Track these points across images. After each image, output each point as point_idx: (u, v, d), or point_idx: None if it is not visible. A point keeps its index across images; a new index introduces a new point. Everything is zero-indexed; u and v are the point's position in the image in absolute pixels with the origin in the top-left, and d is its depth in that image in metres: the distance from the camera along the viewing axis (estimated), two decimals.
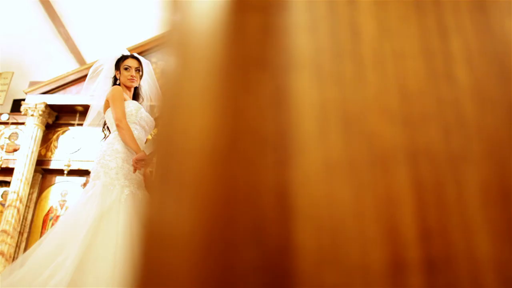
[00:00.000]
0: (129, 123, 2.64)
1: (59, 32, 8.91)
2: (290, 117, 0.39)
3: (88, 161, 7.31)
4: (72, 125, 7.59)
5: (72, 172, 7.20)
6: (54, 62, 9.19)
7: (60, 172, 7.31)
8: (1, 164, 7.14)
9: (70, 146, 7.47)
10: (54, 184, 7.42)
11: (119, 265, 2.19)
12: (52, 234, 2.33)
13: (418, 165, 0.38)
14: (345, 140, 0.39)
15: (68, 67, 9.14)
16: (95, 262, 2.17)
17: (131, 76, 2.75)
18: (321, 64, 0.42)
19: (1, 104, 8.00)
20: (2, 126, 7.68)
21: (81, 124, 7.53)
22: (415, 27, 0.44)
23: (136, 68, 2.77)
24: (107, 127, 2.80)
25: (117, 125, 2.57)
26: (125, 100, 2.68)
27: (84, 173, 7.32)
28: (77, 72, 7.70)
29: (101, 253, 2.21)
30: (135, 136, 2.63)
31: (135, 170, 2.43)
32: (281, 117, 0.39)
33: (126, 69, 2.75)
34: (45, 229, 7.10)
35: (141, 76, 2.83)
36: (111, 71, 2.85)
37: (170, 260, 0.24)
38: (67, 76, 7.65)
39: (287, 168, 0.37)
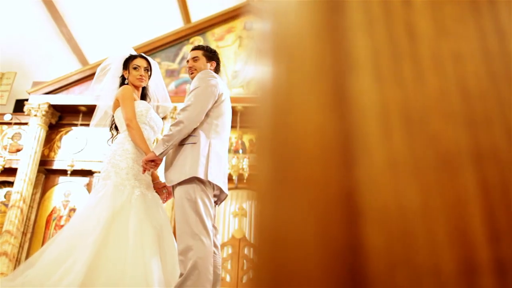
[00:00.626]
0: (138, 123, 2.64)
1: (62, 32, 8.90)
2: (352, 117, 0.39)
3: (91, 161, 7.32)
4: (75, 125, 7.59)
5: (75, 172, 7.21)
6: (56, 62, 9.19)
7: (63, 172, 7.32)
8: (4, 164, 7.13)
9: (73, 146, 7.47)
10: (57, 184, 7.43)
11: (130, 266, 2.19)
12: (63, 234, 2.33)
13: (484, 166, 0.38)
14: (408, 141, 0.38)
15: (70, 67, 9.13)
16: (106, 262, 2.17)
17: (140, 75, 2.74)
18: (380, 65, 0.41)
19: (3, 105, 8.00)
20: (5, 127, 7.69)
21: (84, 124, 7.53)
22: (472, 28, 0.43)
23: (145, 67, 2.77)
24: (115, 127, 2.79)
25: (127, 125, 2.57)
26: (134, 100, 2.68)
27: (87, 173, 7.33)
28: (80, 72, 7.71)
29: (112, 254, 2.21)
30: (144, 136, 2.63)
31: (144, 171, 2.42)
32: (344, 118, 0.38)
33: (135, 68, 2.74)
34: (48, 229, 7.10)
35: (149, 76, 2.82)
36: (119, 71, 2.83)
37: (286, 262, 0.24)
38: (70, 76, 7.66)
39: (352, 169, 0.37)
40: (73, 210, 7.21)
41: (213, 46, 7.76)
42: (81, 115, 7.57)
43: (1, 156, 7.18)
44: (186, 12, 9.10)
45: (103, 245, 2.21)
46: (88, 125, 7.53)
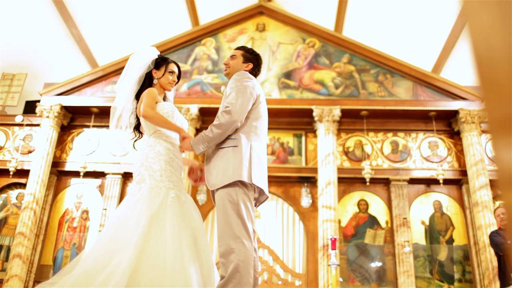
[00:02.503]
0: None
1: (72, 33, 8.89)
2: None
3: (104, 162, 7.29)
4: (87, 126, 7.57)
5: (87, 174, 7.18)
6: (66, 63, 9.17)
7: (75, 174, 7.30)
8: (17, 166, 7.11)
9: (85, 148, 7.45)
10: (69, 186, 7.40)
11: (170, 267, 2.17)
12: (102, 238, 2.31)
13: None
14: None
15: (79, 68, 9.11)
16: (147, 264, 2.16)
17: (174, 81, 2.79)
18: None
19: (14, 106, 7.98)
20: (16, 128, 7.66)
21: (97, 126, 7.52)
22: None
23: (177, 74, 2.83)
24: (137, 128, 2.80)
25: (144, 117, 2.55)
26: (158, 102, 2.67)
27: (100, 175, 7.31)
28: (92, 73, 7.69)
29: (152, 256, 2.19)
30: (172, 138, 2.63)
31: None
32: None
33: (171, 72, 2.77)
34: (61, 231, 7.08)
35: (176, 82, 2.86)
36: (144, 68, 2.79)
37: None
38: (82, 77, 7.64)
39: None
40: (85, 212, 7.19)
41: (225, 47, 7.78)
42: (93, 116, 7.55)
43: (14, 158, 7.15)
44: (194, 14, 9.09)
45: (143, 248, 2.19)
46: (100, 126, 7.52)
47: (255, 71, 2.69)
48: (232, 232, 2.25)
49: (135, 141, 2.83)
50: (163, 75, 2.76)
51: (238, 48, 2.74)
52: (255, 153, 2.39)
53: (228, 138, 2.41)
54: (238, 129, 2.42)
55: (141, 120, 2.69)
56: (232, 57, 2.69)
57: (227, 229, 2.27)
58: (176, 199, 2.46)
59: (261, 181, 2.39)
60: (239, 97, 2.41)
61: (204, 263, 2.37)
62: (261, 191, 2.48)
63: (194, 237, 2.39)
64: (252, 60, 2.68)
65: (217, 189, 2.36)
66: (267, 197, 2.57)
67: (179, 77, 2.87)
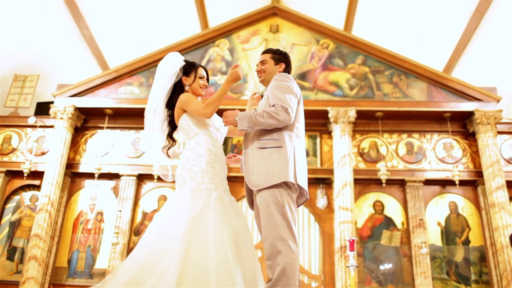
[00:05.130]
0: (205, 126, 2.62)
1: (83, 34, 8.86)
2: None
3: (118, 164, 7.27)
4: (101, 128, 7.55)
5: (101, 176, 7.16)
6: (77, 65, 9.14)
7: (89, 175, 7.27)
8: (31, 168, 7.08)
9: (99, 150, 7.42)
10: (83, 187, 7.38)
11: (215, 270, 2.15)
12: (145, 242, 2.28)
13: None
14: None
15: (90, 69, 9.09)
16: (192, 268, 2.13)
17: (205, 85, 2.76)
18: None
19: (27, 107, 7.97)
20: (29, 130, 7.64)
21: (110, 127, 7.50)
22: None
23: (206, 78, 2.79)
24: (170, 135, 2.75)
25: (204, 114, 2.52)
26: None
27: (114, 176, 7.28)
28: (106, 75, 7.68)
29: (197, 260, 2.17)
30: (213, 138, 2.60)
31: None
32: None
33: (201, 77, 2.74)
34: (75, 233, 7.06)
35: (207, 86, 2.82)
36: (173, 78, 2.74)
37: None
38: (95, 79, 7.63)
39: None
40: (100, 213, 7.17)
41: (238, 48, 7.76)
42: (107, 118, 7.53)
43: (27, 159, 7.13)
44: (204, 16, 9.07)
45: (187, 250, 2.17)
46: (114, 128, 7.51)
47: (287, 70, 2.68)
48: (277, 234, 2.23)
49: (169, 148, 2.79)
50: (193, 81, 2.72)
51: (264, 52, 2.72)
52: (298, 154, 2.38)
53: (270, 138, 2.38)
54: (281, 129, 2.39)
55: (181, 125, 2.64)
56: (263, 62, 2.68)
57: (273, 231, 2.24)
58: (219, 200, 2.42)
59: (305, 183, 2.37)
60: (291, 98, 2.39)
61: (247, 265, 2.34)
62: (300, 193, 2.46)
63: (238, 238, 2.36)
64: (283, 60, 2.68)
65: (260, 190, 2.33)
66: (307, 199, 2.54)
67: (208, 80, 2.83)
